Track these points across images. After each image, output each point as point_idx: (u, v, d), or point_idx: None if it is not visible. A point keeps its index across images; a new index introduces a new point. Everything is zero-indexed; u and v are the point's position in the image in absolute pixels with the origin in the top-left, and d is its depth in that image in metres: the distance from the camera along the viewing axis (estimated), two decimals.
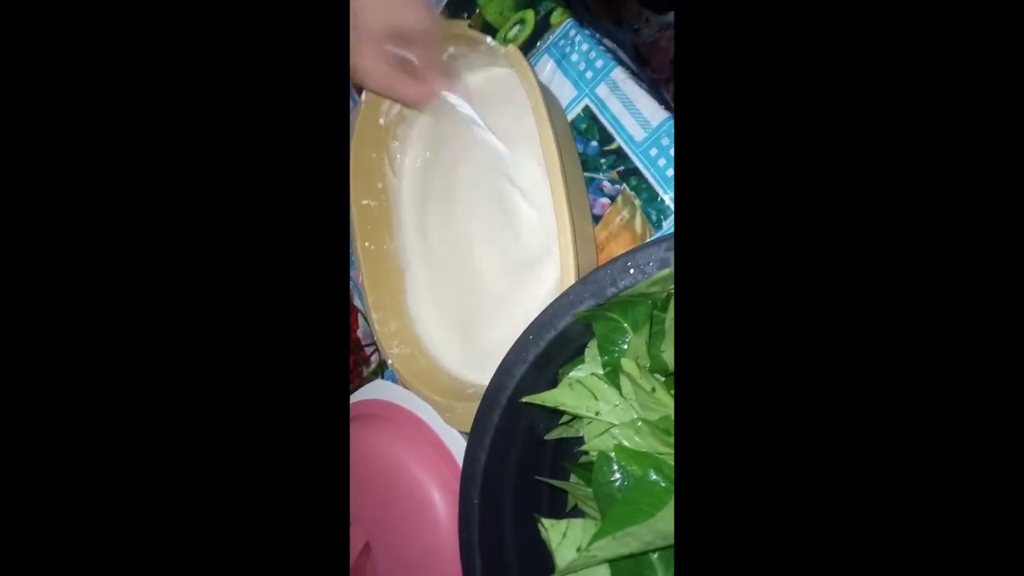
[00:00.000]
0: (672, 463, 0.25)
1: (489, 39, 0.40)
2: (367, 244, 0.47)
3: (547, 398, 0.29)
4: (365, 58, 0.37)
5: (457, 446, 0.44)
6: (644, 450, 0.27)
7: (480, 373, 0.45)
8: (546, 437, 0.35)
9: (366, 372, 0.56)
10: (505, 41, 0.47)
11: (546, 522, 0.26)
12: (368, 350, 0.56)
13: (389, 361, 0.46)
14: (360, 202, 0.47)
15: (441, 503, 0.43)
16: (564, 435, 0.35)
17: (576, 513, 0.35)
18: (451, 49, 0.43)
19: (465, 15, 0.50)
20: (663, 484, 0.23)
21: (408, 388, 0.45)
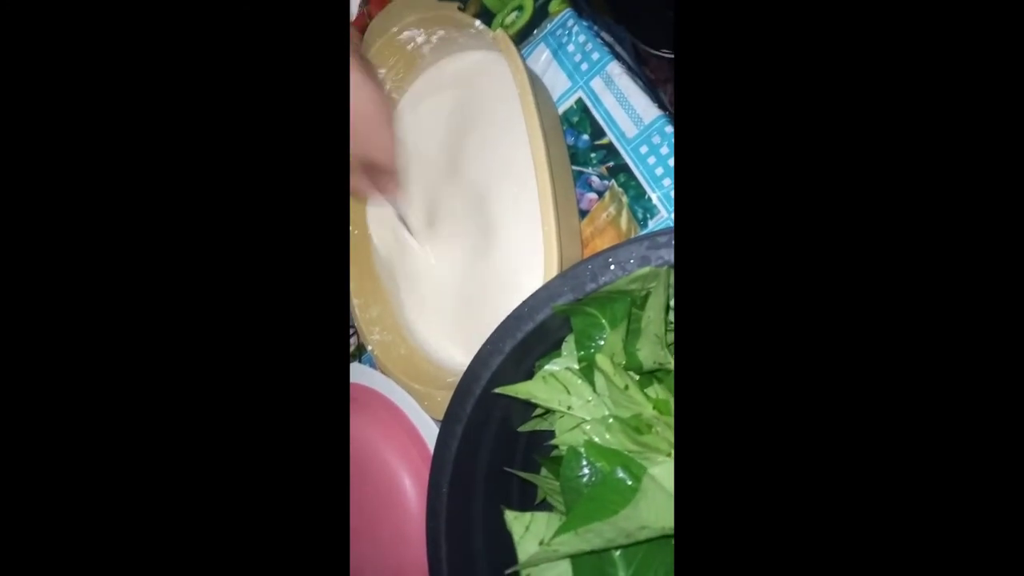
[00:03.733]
0: (640, 462, 0.25)
1: (478, 22, 0.40)
2: (352, 229, 0.46)
3: (520, 390, 0.29)
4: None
5: (430, 433, 0.43)
6: (614, 447, 0.27)
7: (461, 361, 0.45)
8: (519, 429, 0.35)
9: None
10: (503, 26, 0.46)
11: (509, 514, 0.26)
12: None
13: (369, 347, 0.46)
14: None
15: (412, 489, 0.43)
16: (537, 427, 0.35)
17: (545, 505, 0.35)
18: (441, 32, 0.42)
19: None
20: (629, 482, 0.23)
21: (387, 375, 0.45)
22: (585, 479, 0.26)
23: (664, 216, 0.39)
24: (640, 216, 0.40)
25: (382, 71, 0.46)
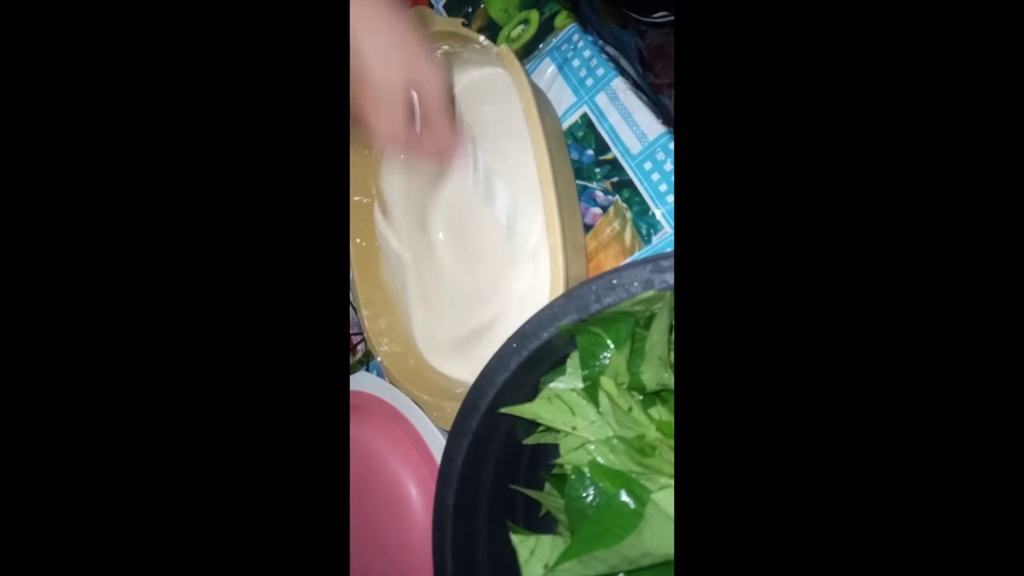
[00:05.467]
0: (644, 484, 0.25)
1: (482, 38, 0.40)
2: (359, 241, 0.47)
3: (525, 410, 0.30)
4: (386, 116, 0.35)
5: (436, 444, 0.44)
6: (617, 468, 0.27)
7: (468, 374, 0.45)
8: (524, 441, 0.35)
9: (351, 361, 0.56)
10: (508, 40, 0.47)
11: (515, 537, 0.26)
12: (354, 339, 0.56)
13: (379, 358, 0.46)
14: (353, 198, 0.47)
15: (418, 499, 0.43)
16: (542, 440, 0.36)
17: (549, 519, 0.36)
18: (445, 47, 0.43)
19: (469, 9, 0.50)
20: (633, 506, 0.24)
21: (397, 386, 0.45)
22: (589, 499, 0.26)
23: (668, 232, 0.39)
24: (644, 232, 0.40)
25: None
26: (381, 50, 0.33)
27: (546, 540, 0.26)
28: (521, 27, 0.46)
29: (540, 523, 0.36)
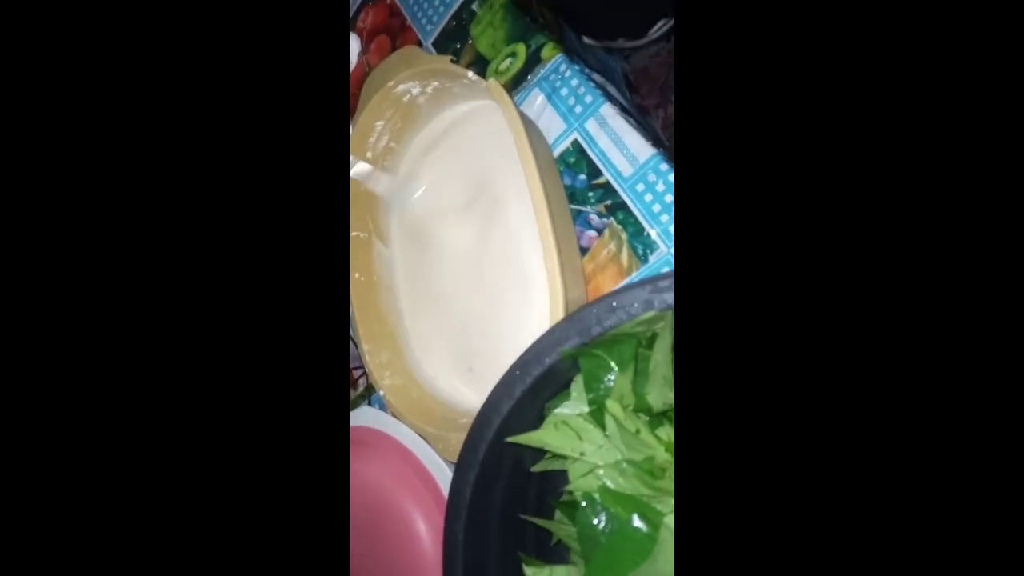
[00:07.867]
0: (656, 507, 0.25)
1: (470, 74, 0.41)
2: (357, 275, 0.47)
3: (532, 439, 0.29)
4: None
5: (443, 477, 0.43)
6: (628, 492, 0.27)
7: (469, 399, 0.45)
8: (532, 468, 0.35)
9: (353, 395, 0.56)
10: (497, 73, 0.48)
11: (528, 570, 0.26)
12: (355, 373, 0.56)
13: (381, 392, 0.46)
14: (351, 233, 0.47)
15: (426, 535, 0.43)
16: (550, 467, 0.35)
17: (560, 548, 0.35)
18: (435, 83, 0.44)
19: (458, 46, 0.51)
20: (646, 530, 0.23)
21: (400, 419, 0.45)
22: (601, 526, 0.26)
23: (664, 251, 0.40)
24: (640, 252, 0.40)
25: (380, 122, 0.47)
26: None
27: (560, 571, 0.26)
28: (509, 60, 0.47)
29: (552, 552, 0.36)
